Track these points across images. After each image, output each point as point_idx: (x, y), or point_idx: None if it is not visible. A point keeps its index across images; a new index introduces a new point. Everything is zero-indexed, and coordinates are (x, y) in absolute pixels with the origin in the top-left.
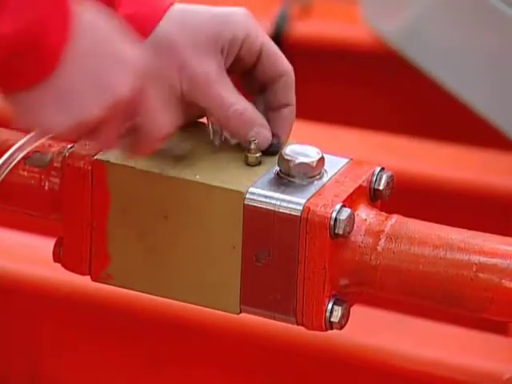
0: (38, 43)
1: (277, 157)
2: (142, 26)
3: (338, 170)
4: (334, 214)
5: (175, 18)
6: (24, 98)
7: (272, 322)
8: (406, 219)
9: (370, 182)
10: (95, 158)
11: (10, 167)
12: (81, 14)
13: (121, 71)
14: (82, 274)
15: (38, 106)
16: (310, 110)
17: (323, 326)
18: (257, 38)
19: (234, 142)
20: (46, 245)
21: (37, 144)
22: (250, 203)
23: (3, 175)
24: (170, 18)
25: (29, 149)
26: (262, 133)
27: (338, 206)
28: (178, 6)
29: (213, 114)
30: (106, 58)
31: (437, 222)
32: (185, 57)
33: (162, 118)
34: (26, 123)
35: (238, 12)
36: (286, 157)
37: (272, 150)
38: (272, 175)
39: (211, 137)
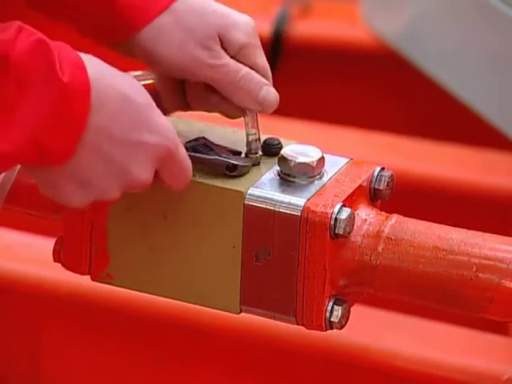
0: (43, 153)
1: (277, 157)
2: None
3: (338, 170)
4: (334, 214)
5: (175, 14)
6: (44, 175)
7: (272, 321)
8: (406, 219)
9: (370, 181)
10: None
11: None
12: (95, 92)
13: (142, 159)
14: (82, 273)
15: (57, 183)
16: (310, 110)
17: (323, 325)
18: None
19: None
20: (46, 245)
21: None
22: (250, 203)
23: None
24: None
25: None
26: (270, 90)
27: (338, 206)
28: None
29: (221, 85)
30: (125, 145)
31: (437, 222)
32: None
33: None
34: (47, 195)
35: (244, 19)
36: (286, 157)
37: (272, 150)
38: (272, 175)
39: (246, 143)
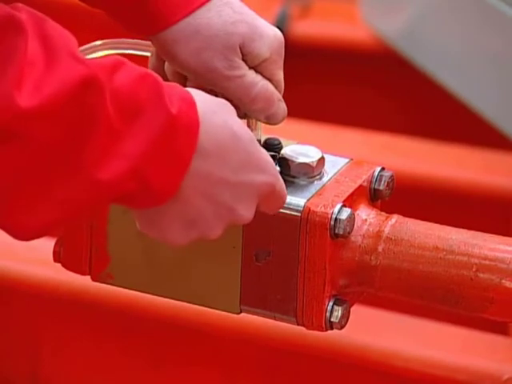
0: (144, 186)
1: (277, 157)
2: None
3: (338, 170)
4: (334, 214)
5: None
6: (146, 214)
7: (272, 321)
8: (406, 219)
9: (370, 182)
10: None
11: None
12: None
13: (248, 198)
14: (82, 273)
15: (160, 222)
16: (310, 110)
17: (323, 326)
18: (274, 67)
19: None
20: (46, 245)
21: None
22: None
23: None
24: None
25: None
26: (281, 106)
27: (338, 206)
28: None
29: (234, 95)
30: (232, 186)
31: (437, 222)
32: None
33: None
34: (151, 233)
35: (272, 32)
36: (286, 157)
37: (272, 150)
38: None
39: None
